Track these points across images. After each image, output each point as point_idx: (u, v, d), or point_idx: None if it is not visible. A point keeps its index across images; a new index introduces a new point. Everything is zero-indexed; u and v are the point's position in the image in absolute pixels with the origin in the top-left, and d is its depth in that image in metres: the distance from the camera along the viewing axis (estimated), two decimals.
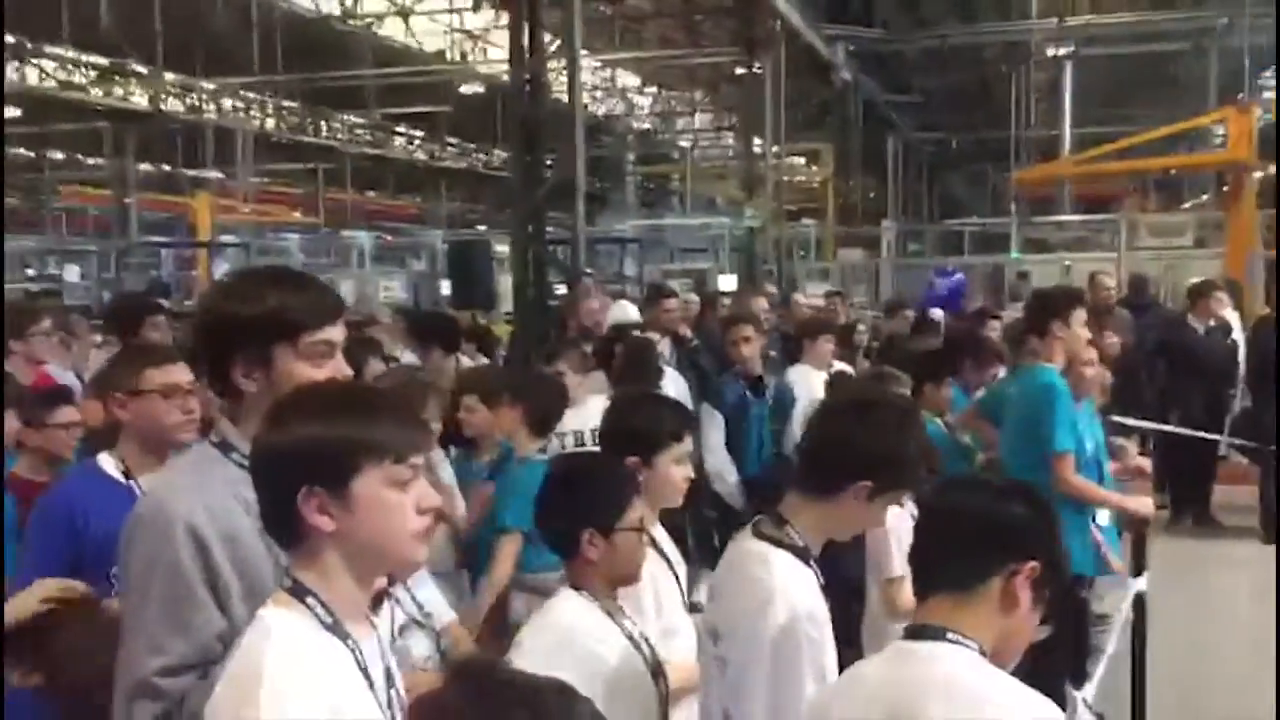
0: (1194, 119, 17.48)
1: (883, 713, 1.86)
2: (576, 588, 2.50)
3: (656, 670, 2.48)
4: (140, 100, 22.95)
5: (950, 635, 1.87)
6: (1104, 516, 4.74)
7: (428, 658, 2.71)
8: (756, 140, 19.22)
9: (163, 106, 23.23)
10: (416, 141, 32.30)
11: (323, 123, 27.99)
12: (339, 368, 2.05)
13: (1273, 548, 8.00)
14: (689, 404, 5.50)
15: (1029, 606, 1.90)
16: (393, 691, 1.72)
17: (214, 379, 2.08)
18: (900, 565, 3.22)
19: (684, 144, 32.30)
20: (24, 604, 2.29)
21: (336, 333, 2.07)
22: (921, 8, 20.98)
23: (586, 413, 4.75)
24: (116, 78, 22.22)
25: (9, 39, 18.68)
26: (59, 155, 29.04)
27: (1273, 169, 16.95)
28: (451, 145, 32.93)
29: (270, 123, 26.95)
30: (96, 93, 22.45)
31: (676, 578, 2.85)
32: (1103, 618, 4.81)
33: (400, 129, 30.81)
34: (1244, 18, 19.05)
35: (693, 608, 2.83)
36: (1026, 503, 1.94)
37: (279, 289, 2.03)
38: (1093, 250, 17.99)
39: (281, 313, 2.00)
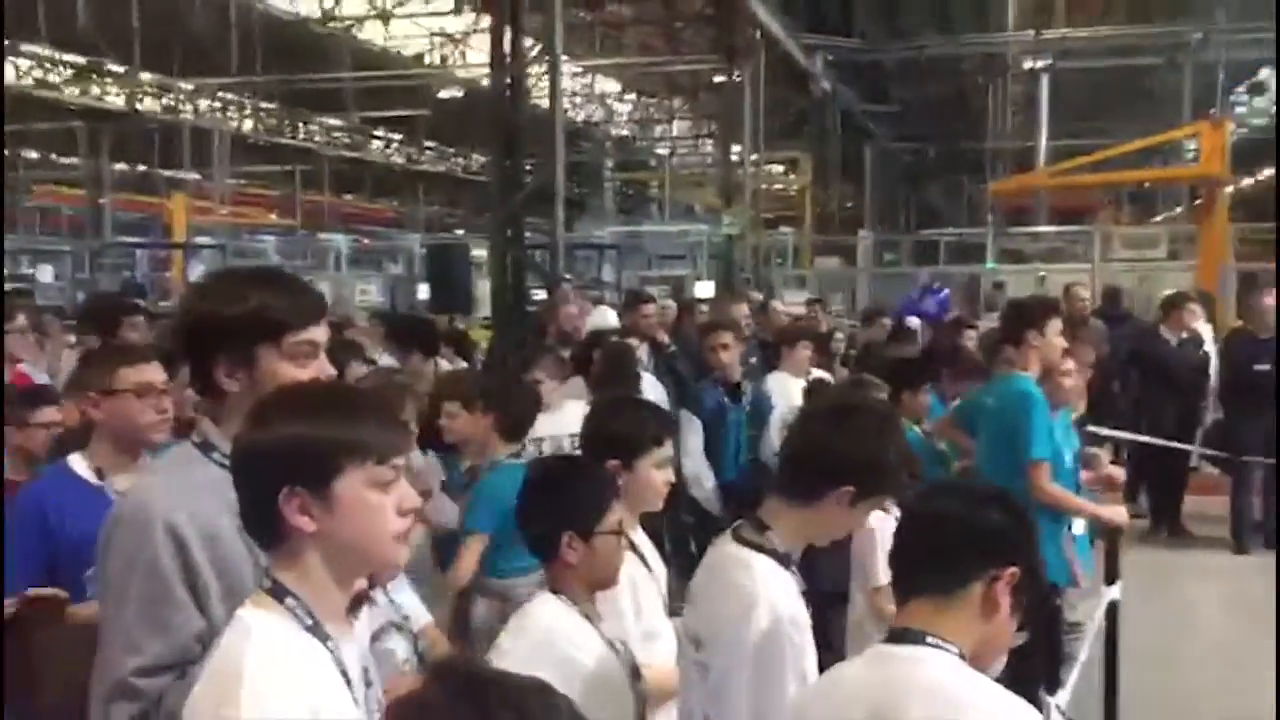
0: (1168, 133, 17.61)
1: (863, 714, 1.86)
2: (555, 591, 2.49)
3: (634, 674, 2.48)
4: (116, 100, 22.82)
5: (931, 639, 1.87)
6: (1079, 525, 4.78)
7: (405, 660, 2.70)
8: (735, 148, 19.25)
9: (139, 106, 23.10)
10: (395, 145, 32.23)
11: (300, 125, 27.91)
12: (323, 368, 2.04)
13: (1243, 558, 8.16)
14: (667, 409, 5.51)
15: (1008, 612, 1.91)
16: (371, 693, 1.72)
17: (195, 378, 2.06)
18: (887, 573, 3.22)
19: (663, 151, 32.43)
20: None
21: (320, 333, 2.06)
22: (900, 19, 21.09)
23: (563, 418, 4.74)
24: (93, 76, 22.08)
25: None
26: (33, 154, 28.77)
27: (1245, 182, 17.12)
28: (430, 149, 32.87)
29: (248, 124, 26.86)
30: (72, 91, 22.29)
31: (656, 581, 2.85)
32: (1075, 625, 4.84)
33: (379, 132, 30.73)
34: (1218, 33, 19.29)
35: (671, 611, 2.83)
36: (1007, 509, 1.95)
37: (262, 289, 2.02)
38: (1067, 261, 18.14)
39: (265, 312, 1.99)
